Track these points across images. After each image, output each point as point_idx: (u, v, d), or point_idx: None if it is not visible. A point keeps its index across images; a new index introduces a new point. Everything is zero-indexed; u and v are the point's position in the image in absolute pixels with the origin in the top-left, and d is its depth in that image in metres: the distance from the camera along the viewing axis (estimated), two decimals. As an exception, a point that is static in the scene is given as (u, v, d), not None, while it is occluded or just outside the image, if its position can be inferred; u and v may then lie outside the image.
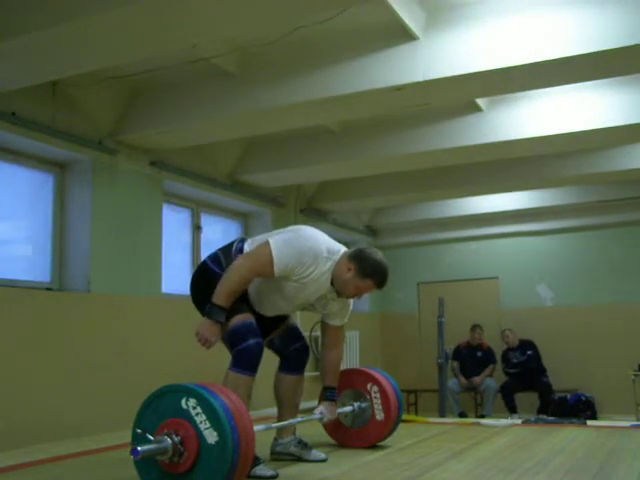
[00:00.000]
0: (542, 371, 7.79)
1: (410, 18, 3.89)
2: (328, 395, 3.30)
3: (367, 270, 2.97)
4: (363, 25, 4.09)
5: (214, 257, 3.10)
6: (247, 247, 3.07)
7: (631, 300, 8.03)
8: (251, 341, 2.86)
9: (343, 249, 3.07)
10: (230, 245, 3.14)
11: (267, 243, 2.88)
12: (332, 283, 3.01)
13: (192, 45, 4.04)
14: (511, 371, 7.87)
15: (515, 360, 7.88)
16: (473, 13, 3.97)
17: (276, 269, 2.85)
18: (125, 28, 3.34)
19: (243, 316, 2.96)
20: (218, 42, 4.28)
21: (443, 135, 5.50)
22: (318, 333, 3.42)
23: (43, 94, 4.43)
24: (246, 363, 2.84)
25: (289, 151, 6.13)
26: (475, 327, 8.16)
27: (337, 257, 2.99)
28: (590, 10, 3.72)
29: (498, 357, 8.13)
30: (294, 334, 3.26)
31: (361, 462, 3.12)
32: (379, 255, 3.06)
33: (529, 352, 7.84)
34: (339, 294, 3.07)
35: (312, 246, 2.91)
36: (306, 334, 3.39)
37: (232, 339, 2.93)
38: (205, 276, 3.06)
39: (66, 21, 3.23)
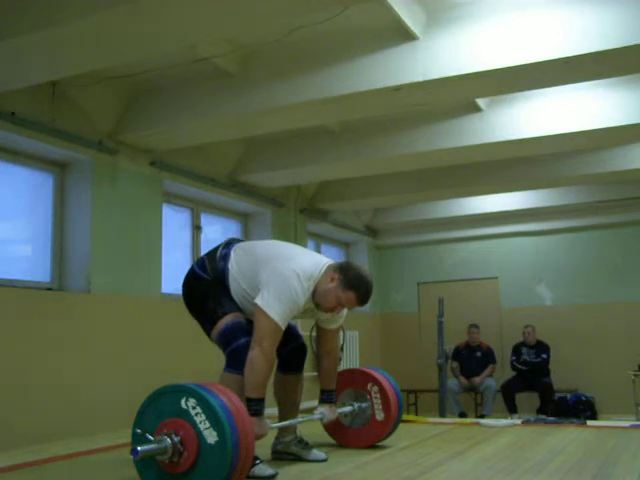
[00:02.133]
0: (547, 373, 7.79)
1: (410, 18, 3.89)
2: (327, 397, 3.30)
3: (351, 282, 2.93)
4: (363, 25, 4.09)
5: (201, 263, 3.14)
6: (233, 254, 3.06)
7: (631, 300, 8.03)
8: (242, 340, 2.86)
9: (322, 264, 3.00)
10: (215, 250, 3.15)
11: (263, 312, 2.79)
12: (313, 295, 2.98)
13: (192, 45, 4.04)
14: (519, 367, 7.85)
15: (527, 357, 7.86)
16: (473, 13, 3.97)
17: (283, 327, 2.85)
18: (125, 28, 3.33)
19: (233, 316, 2.97)
20: (218, 42, 4.28)
21: (443, 135, 5.50)
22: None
23: (43, 94, 4.43)
24: (240, 363, 2.83)
25: (289, 151, 6.12)
26: (471, 327, 8.16)
27: (316, 275, 2.94)
28: (590, 10, 3.72)
29: (500, 355, 8.13)
30: (291, 333, 3.24)
31: (361, 462, 3.12)
32: (365, 270, 3.05)
33: (544, 355, 7.82)
34: (317, 306, 3.02)
35: (299, 285, 2.86)
36: (306, 334, 3.39)
37: (223, 340, 2.94)
38: (193, 282, 3.12)
39: (66, 21, 3.23)
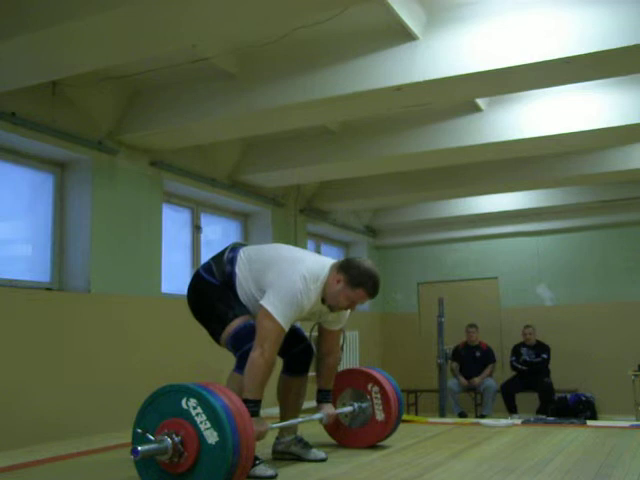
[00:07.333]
0: (547, 373, 7.79)
1: (410, 18, 3.89)
2: (326, 397, 3.30)
3: (357, 279, 2.94)
4: (363, 25, 4.09)
5: (207, 267, 3.13)
6: (239, 258, 3.06)
7: (631, 300, 8.03)
8: (254, 343, 2.85)
9: (328, 265, 3.01)
10: (221, 254, 3.14)
11: (267, 313, 2.79)
12: (323, 301, 2.99)
13: (192, 45, 4.04)
14: (519, 367, 7.86)
15: (527, 358, 7.86)
16: (473, 13, 3.98)
17: (287, 329, 2.85)
18: (125, 28, 3.34)
19: (244, 318, 2.98)
20: (218, 42, 4.28)
21: (443, 135, 5.50)
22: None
23: (43, 94, 4.43)
24: None
25: (289, 151, 6.13)
26: (468, 326, 8.15)
27: (323, 277, 2.95)
28: (590, 10, 3.72)
29: (500, 355, 8.13)
30: (297, 335, 3.25)
31: (361, 462, 3.12)
32: (368, 263, 3.04)
33: (544, 355, 7.82)
34: (332, 309, 3.03)
35: (305, 288, 2.86)
36: (306, 334, 3.38)
37: (235, 342, 2.94)
38: (201, 286, 3.11)
39: (66, 21, 3.23)
